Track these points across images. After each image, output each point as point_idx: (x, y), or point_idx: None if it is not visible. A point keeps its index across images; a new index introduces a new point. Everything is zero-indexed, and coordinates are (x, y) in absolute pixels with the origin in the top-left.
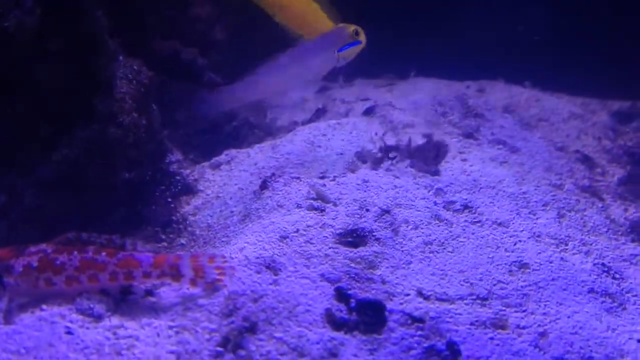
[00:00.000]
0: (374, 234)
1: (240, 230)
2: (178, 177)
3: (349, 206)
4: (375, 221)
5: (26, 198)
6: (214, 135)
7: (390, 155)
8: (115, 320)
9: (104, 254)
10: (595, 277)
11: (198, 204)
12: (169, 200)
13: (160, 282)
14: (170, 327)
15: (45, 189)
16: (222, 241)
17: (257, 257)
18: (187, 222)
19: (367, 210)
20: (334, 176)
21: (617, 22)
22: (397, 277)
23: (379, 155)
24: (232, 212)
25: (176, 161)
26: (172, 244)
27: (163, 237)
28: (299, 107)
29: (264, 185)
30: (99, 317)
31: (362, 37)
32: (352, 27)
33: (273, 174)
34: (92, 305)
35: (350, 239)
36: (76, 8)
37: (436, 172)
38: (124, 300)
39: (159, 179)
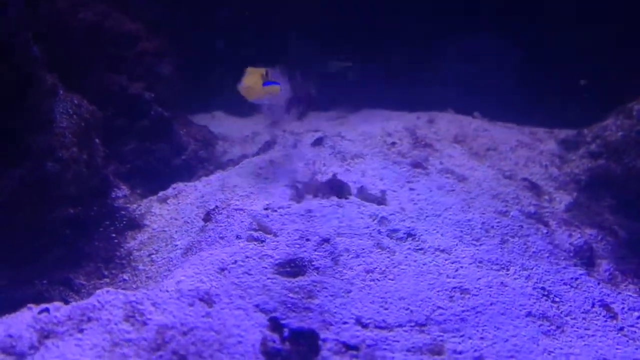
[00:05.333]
0: (313, 263)
1: (181, 263)
2: (123, 212)
3: (289, 236)
4: (315, 250)
5: None
6: (162, 169)
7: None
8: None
9: None
10: (534, 301)
11: (144, 239)
12: (113, 235)
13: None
14: None
15: None
16: (164, 275)
17: (190, 290)
18: (131, 257)
19: (308, 240)
20: (279, 207)
21: (563, 55)
22: (336, 306)
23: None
24: (176, 245)
25: (122, 196)
26: (115, 279)
27: (105, 273)
28: (249, 140)
29: (207, 218)
30: (21, 356)
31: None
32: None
33: (217, 207)
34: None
35: (289, 269)
36: (9, 43)
37: (382, 202)
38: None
39: (103, 215)
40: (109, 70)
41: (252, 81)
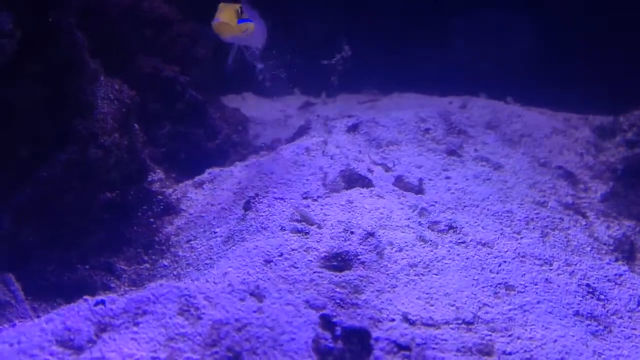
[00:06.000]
0: (359, 257)
1: (223, 252)
2: (160, 197)
3: (333, 228)
4: (360, 244)
5: (3, 224)
6: (196, 153)
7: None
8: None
9: None
10: (580, 299)
11: (181, 224)
12: (151, 220)
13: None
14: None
15: (22, 213)
16: (206, 264)
17: (241, 283)
18: (170, 243)
19: (352, 232)
20: (318, 196)
21: (598, 40)
22: (382, 302)
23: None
24: (215, 232)
25: (158, 180)
26: (155, 265)
27: (145, 258)
28: (281, 123)
29: (247, 207)
30: (79, 349)
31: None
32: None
33: (257, 195)
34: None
35: (335, 263)
36: (55, 29)
37: (420, 191)
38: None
39: (141, 199)
40: (144, 53)
41: (227, 17)
